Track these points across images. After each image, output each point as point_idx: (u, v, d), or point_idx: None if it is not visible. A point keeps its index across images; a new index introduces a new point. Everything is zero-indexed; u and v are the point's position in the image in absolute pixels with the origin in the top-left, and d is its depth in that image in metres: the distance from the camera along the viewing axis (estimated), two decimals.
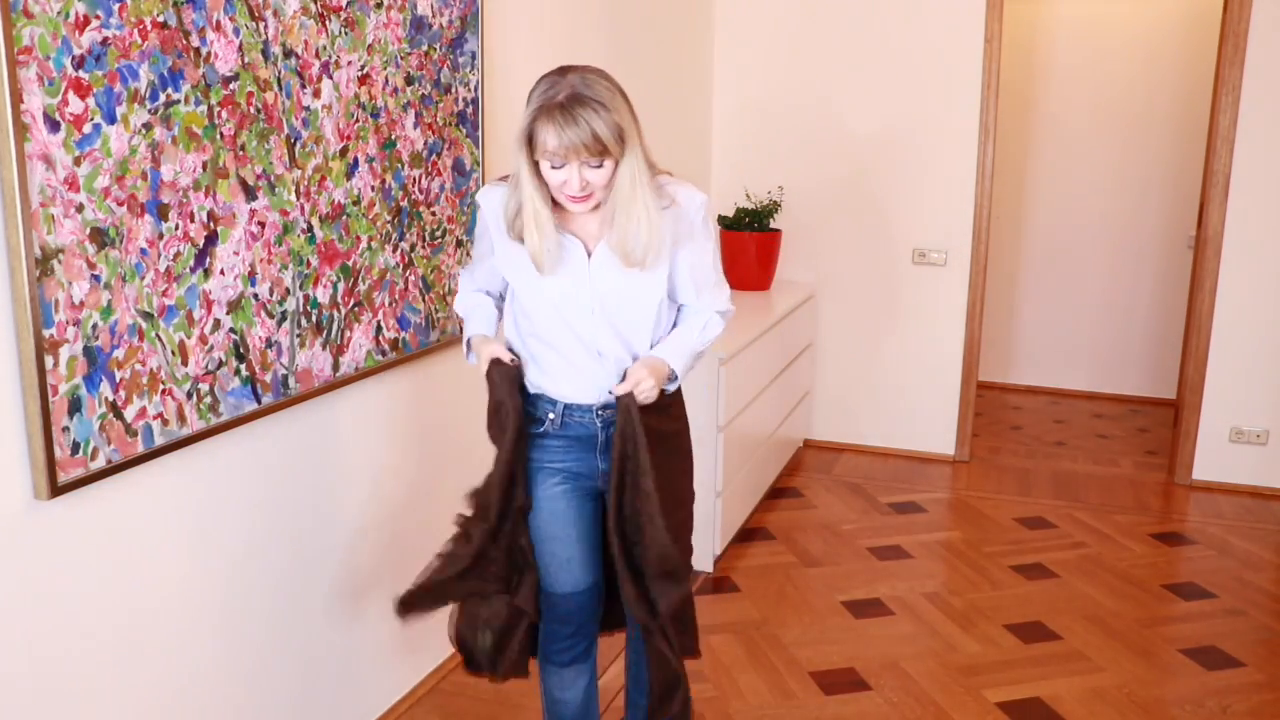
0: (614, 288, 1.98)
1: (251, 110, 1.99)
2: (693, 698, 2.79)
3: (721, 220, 4.60)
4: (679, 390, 2.13)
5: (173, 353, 1.86)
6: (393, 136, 2.44)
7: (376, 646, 2.61)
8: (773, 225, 4.63)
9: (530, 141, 1.84)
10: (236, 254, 1.99)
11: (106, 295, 1.72)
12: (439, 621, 2.88)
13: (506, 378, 2.05)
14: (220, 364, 1.98)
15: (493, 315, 2.18)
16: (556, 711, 2.24)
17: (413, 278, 2.57)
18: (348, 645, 2.50)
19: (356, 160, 2.32)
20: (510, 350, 2.09)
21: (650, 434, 1.96)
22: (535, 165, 1.87)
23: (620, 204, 1.88)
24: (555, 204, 1.94)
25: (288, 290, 2.14)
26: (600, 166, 1.83)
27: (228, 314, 1.98)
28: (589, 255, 1.97)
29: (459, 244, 2.75)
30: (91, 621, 1.79)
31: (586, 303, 1.99)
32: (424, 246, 2.60)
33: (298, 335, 2.19)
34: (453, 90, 2.66)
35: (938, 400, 4.83)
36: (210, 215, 1.92)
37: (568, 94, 1.79)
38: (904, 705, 2.80)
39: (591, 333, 2.01)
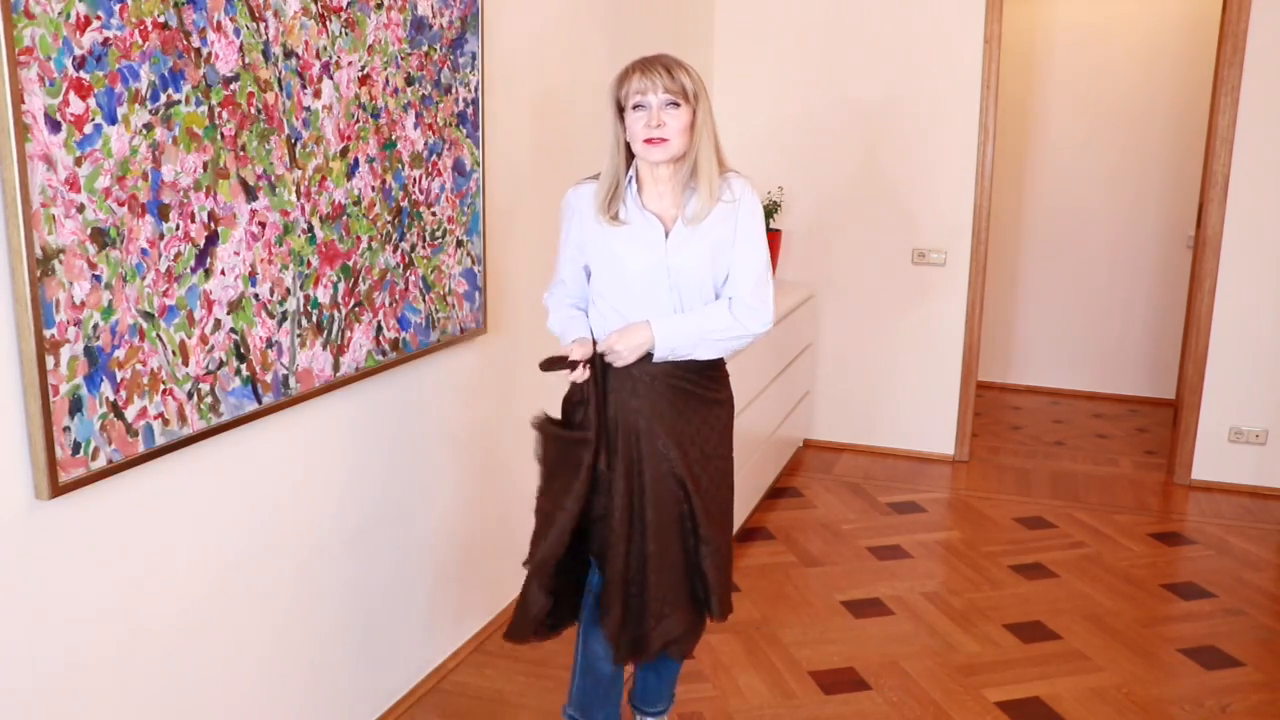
0: (687, 264, 2.15)
1: (252, 111, 2.00)
2: (693, 697, 2.80)
3: None
4: (716, 369, 2.27)
5: (173, 353, 1.87)
6: (393, 137, 2.44)
7: (377, 646, 2.61)
8: (773, 225, 4.64)
9: (619, 109, 2.11)
10: (237, 254, 1.99)
11: (107, 295, 1.72)
12: (438, 621, 2.89)
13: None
14: (221, 364, 1.98)
15: (586, 326, 2.28)
16: (596, 669, 2.30)
17: (413, 278, 2.57)
18: (349, 645, 2.50)
19: (357, 160, 2.32)
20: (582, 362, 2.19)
21: (674, 397, 2.19)
22: (622, 130, 2.12)
23: (701, 160, 2.12)
24: (641, 188, 2.18)
25: (288, 290, 2.14)
26: (677, 107, 2.06)
27: (228, 314, 1.99)
28: (666, 235, 2.15)
29: (459, 244, 2.75)
30: (93, 621, 1.79)
31: (663, 278, 2.16)
32: (424, 247, 2.61)
33: (298, 335, 2.19)
34: (453, 91, 2.66)
35: (937, 400, 4.83)
36: (211, 215, 1.92)
37: (652, 55, 2.11)
38: (904, 705, 2.81)
39: (664, 310, 2.17)
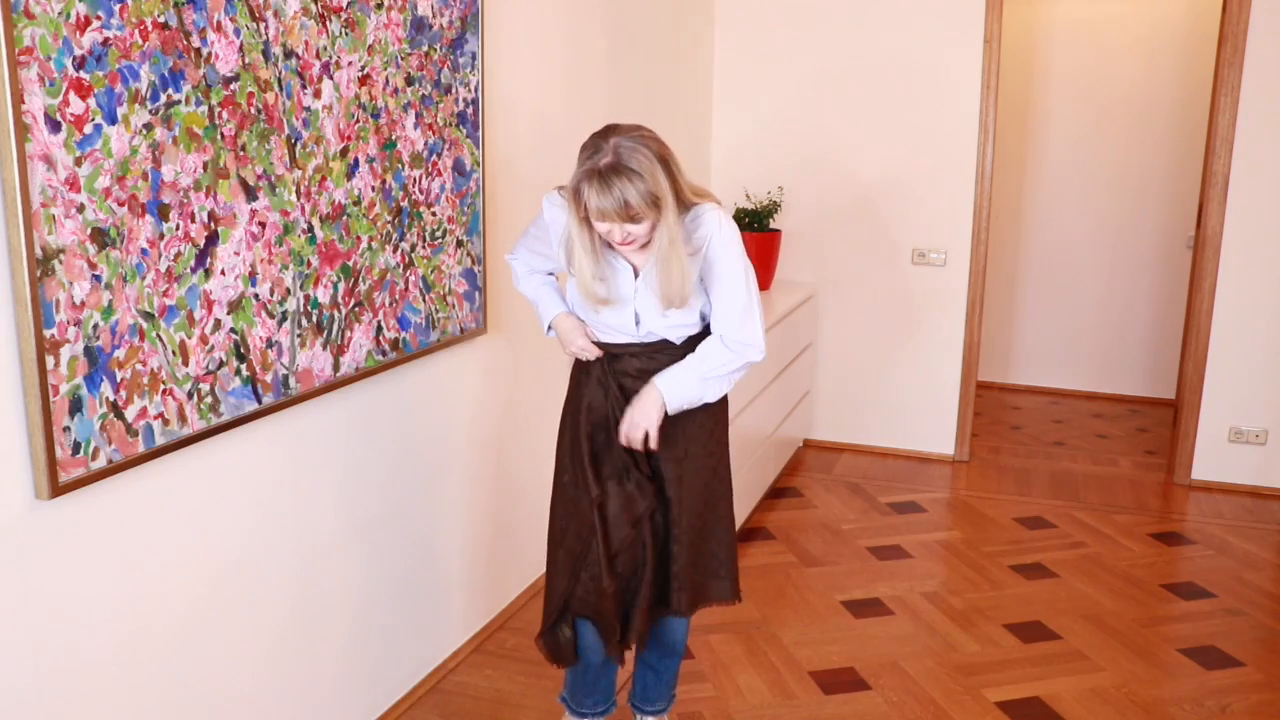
0: (654, 307, 2.16)
1: (252, 111, 2.00)
2: (693, 697, 2.80)
3: None
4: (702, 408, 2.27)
5: (173, 353, 1.87)
6: (393, 137, 2.44)
7: (377, 646, 2.61)
8: (773, 225, 4.64)
9: (578, 197, 2.00)
10: (237, 254, 1.99)
11: (107, 295, 1.73)
12: (438, 621, 2.89)
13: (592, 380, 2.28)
14: (221, 364, 1.98)
15: (560, 293, 2.35)
16: (586, 659, 2.38)
17: (413, 278, 2.57)
18: (349, 645, 2.50)
19: (357, 161, 2.32)
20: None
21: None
22: (586, 217, 2.05)
23: (660, 259, 2.06)
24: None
25: (288, 290, 2.14)
26: (640, 223, 2.00)
27: (228, 314, 1.99)
28: (636, 277, 2.16)
29: (459, 244, 2.75)
30: (93, 621, 1.79)
31: (629, 319, 2.19)
32: (424, 247, 2.61)
33: (298, 335, 2.19)
34: (453, 91, 2.66)
35: (937, 400, 4.83)
36: (211, 215, 1.92)
37: (607, 162, 1.95)
38: (903, 705, 2.81)
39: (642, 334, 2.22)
